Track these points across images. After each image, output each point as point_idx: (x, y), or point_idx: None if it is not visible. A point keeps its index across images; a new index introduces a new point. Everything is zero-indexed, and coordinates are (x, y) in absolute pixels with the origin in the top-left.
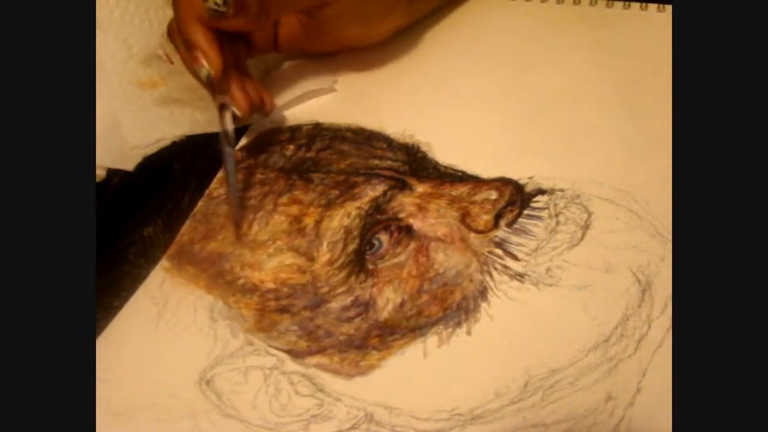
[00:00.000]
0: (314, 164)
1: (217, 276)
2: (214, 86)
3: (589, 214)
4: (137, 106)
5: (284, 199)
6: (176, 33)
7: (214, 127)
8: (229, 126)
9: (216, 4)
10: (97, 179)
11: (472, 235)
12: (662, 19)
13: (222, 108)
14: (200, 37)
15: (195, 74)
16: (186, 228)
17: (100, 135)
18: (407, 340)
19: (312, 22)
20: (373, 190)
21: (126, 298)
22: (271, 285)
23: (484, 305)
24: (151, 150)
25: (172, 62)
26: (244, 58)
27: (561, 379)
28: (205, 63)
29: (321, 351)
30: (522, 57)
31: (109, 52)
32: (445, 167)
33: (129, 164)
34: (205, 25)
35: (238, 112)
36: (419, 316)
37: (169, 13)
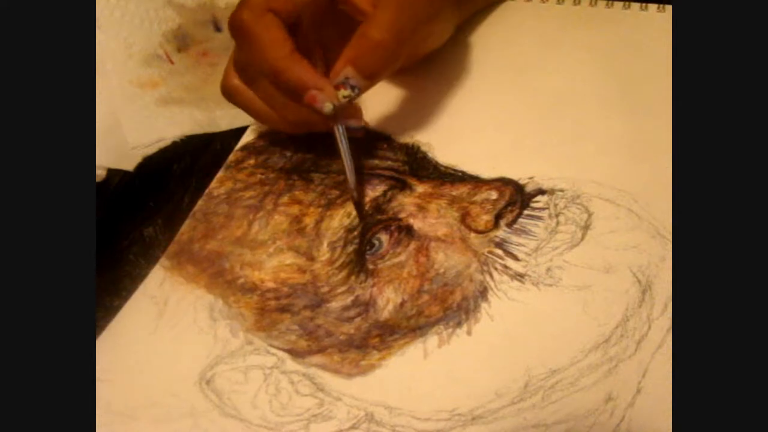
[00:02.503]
0: (314, 164)
1: (217, 275)
2: (338, 113)
3: (590, 215)
4: (137, 106)
5: (284, 199)
6: (237, 90)
7: (214, 128)
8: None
9: (344, 96)
10: (97, 179)
11: (473, 235)
12: (662, 19)
13: (338, 129)
14: (306, 74)
15: (302, 117)
16: (186, 227)
17: (100, 135)
18: (407, 340)
19: None
20: (373, 190)
21: (126, 298)
22: (271, 284)
23: (484, 305)
24: (151, 150)
25: (172, 62)
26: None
27: (561, 379)
28: (324, 97)
29: (321, 350)
30: (522, 57)
31: (110, 52)
32: (445, 167)
33: (129, 164)
34: (302, 58)
35: (359, 124)
36: (419, 316)
37: (171, 13)
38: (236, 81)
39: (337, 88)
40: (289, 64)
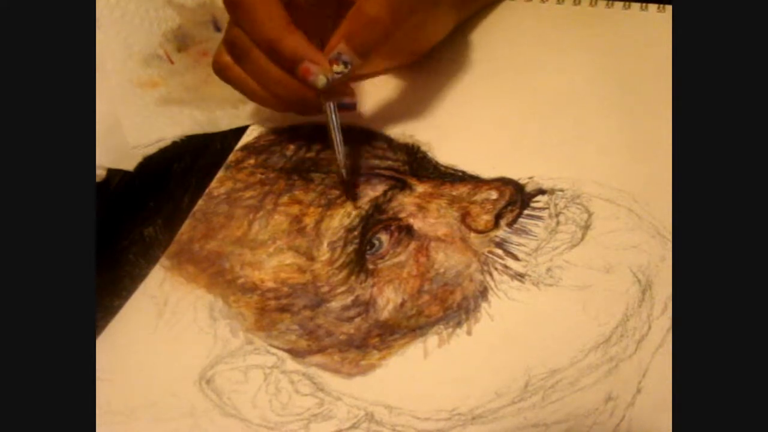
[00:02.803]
0: (314, 164)
1: (217, 275)
2: (331, 89)
3: (590, 215)
4: (137, 106)
5: (284, 199)
6: (229, 67)
7: (214, 128)
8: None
9: (337, 73)
10: (97, 179)
11: (473, 235)
12: (662, 20)
13: (330, 106)
14: (302, 45)
15: (294, 92)
16: (186, 227)
17: (100, 135)
18: (408, 339)
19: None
20: (373, 190)
21: (126, 298)
22: (271, 284)
23: (484, 305)
24: (151, 150)
25: (172, 62)
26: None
27: (561, 379)
28: (318, 70)
29: (321, 350)
30: (522, 57)
31: (110, 52)
32: (445, 167)
33: (129, 164)
34: (297, 30)
35: (353, 101)
36: (419, 315)
37: (171, 13)
38: (227, 57)
39: (330, 63)
40: (285, 34)
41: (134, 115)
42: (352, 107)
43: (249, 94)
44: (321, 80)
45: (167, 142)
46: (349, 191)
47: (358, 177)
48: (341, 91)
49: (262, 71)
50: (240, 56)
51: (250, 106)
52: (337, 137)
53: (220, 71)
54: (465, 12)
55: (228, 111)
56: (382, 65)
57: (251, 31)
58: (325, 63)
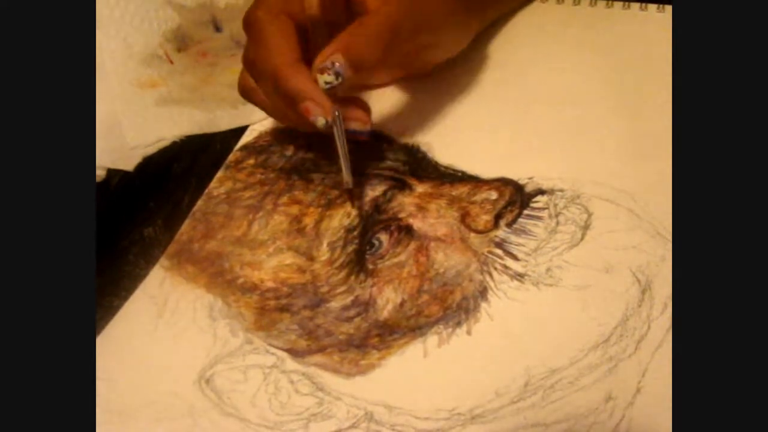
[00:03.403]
0: (314, 164)
1: (216, 275)
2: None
3: (589, 215)
4: (137, 107)
5: (284, 199)
6: (253, 90)
7: (213, 128)
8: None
9: (327, 83)
10: (97, 179)
11: (472, 235)
12: (662, 20)
13: (336, 119)
14: (305, 85)
15: (298, 123)
16: (185, 227)
17: (100, 135)
18: (407, 339)
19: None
20: (373, 190)
21: (126, 298)
22: (270, 284)
23: (484, 305)
24: (151, 150)
25: (171, 62)
26: None
27: (561, 378)
28: (318, 111)
29: (321, 350)
30: (522, 57)
31: (109, 52)
32: (445, 167)
33: (129, 164)
34: (304, 68)
35: (365, 129)
36: (419, 315)
37: (171, 13)
38: (250, 81)
39: (321, 71)
40: (291, 73)
41: (134, 115)
42: (364, 134)
43: (274, 115)
44: (320, 121)
45: (167, 142)
46: (355, 201)
47: (358, 177)
48: (353, 115)
49: (272, 95)
50: (257, 78)
51: (250, 106)
52: (343, 151)
53: (245, 93)
54: (482, 26)
55: (228, 111)
56: (388, 78)
57: (261, 60)
58: (327, 104)
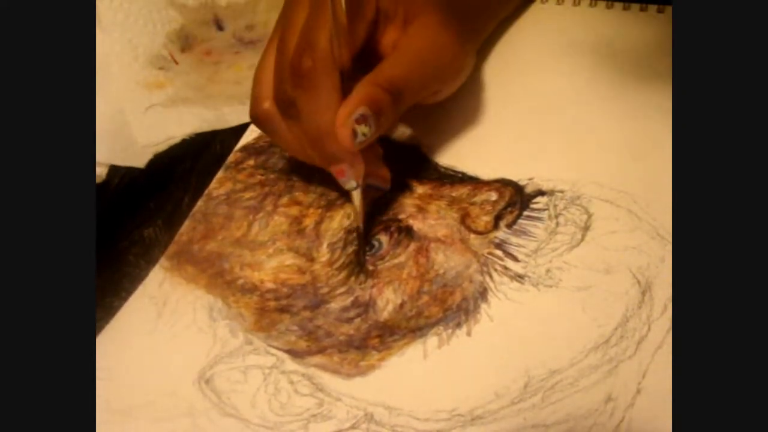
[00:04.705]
0: (314, 165)
1: (216, 276)
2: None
3: (589, 216)
4: (144, 107)
5: (284, 200)
6: (269, 118)
7: (221, 124)
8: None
9: (363, 134)
10: (98, 179)
11: (472, 236)
12: (662, 20)
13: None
14: (345, 148)
15: (315, 164)
16: (185, 228)
17: (109, 135)
18: (407, 340)
19: None
20: (373, 191)
21: (125, 298)
22: (270, 285)
23: (484, 306)
24: (162, 148)
25: (176, 62)
26: None
27: (561, 380)
28: (352, 174)
29: (321, 351)
30: (522, 58)
31: (115, 55)
32: (445, 168)
33: (140, 161)
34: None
35: (383, 186)
36: (419, 316)
37: (173, 14)
38: (267, 105)
39: (358, 122)
40: (333, 140)
41: (142, 116)
42: (382, 191)
43: (290, 150)
44: (351, 184)
45: (177, 140)
46: (364, 243)
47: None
48: (374, 173)
49: (301, 140)
50: (292, 115)
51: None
52: (362, 208)
53: (260, 122)
54: (483, 36)
55: (235, 107)
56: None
57: (306, 111)
58: (361, 169)
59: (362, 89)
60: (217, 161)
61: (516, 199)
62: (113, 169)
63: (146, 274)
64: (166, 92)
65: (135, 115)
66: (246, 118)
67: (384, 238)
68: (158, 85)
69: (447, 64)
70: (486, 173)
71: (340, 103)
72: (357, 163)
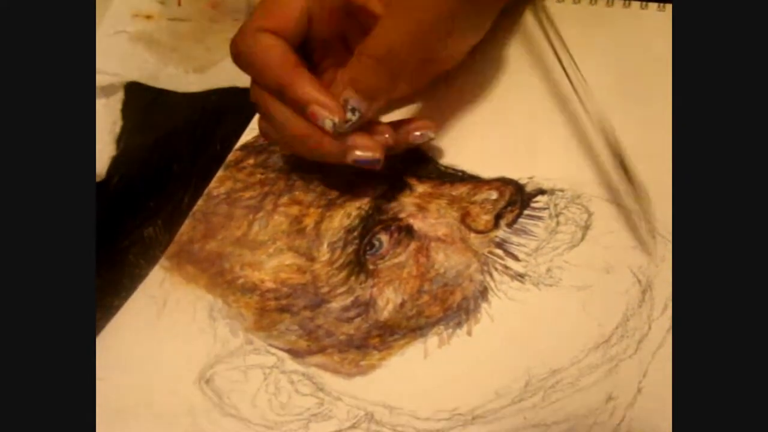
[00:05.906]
0: (314, 164)
1: (216, 275)
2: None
3: (590, 215)
4: (115, 30)
5: (284, 199)
6: (265, 97)
7: (180, 88)
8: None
9: (346, 121)
10: (97, 179)
11: (473, 235)
12: (662, 19)
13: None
14: (308, 87)
15: (312, 149)
16: (185, 227)
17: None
18: (408, 340)
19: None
20: (373, 190)
21: (125, 298)
22: (271, 285)
23: (484, 305)
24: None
25: (179, 3)
26: None
27: (561, 379)
28: (324, 114)
29: (321, 351)
30: (522, 56)
31: None
32: (445, 167)
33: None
34: (305, 72)
35: (374, 157)
36: (420, 316)
37: None
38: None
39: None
40: (293, 78)
41: (108, 38)
42: (375, 164)
43: (293, 149)
44: (327, 123)
45: (159, 132)
46: (357, 199)
47: (358, 177)
48: (359, 143)
49: (283, 128)
50: (263, 114)
51: (216, 71)
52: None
53: (266, 137)
54: (487, 25)
55: (199, 76)
56: (403, 92)
57: (260, 80)
58: (332, 104)
59: (345, 71)
60: (217, 160)
61: (516, 198)
62: (113, 168)
63: (146, 274)
64: (146, 26)
65: (101, 37)
66: (194, 88)
67: (384, 237)
68: (145, 16)
69: (447, 20)
70: (486, 172)
71: (283, 54)
72: (325, 101)
